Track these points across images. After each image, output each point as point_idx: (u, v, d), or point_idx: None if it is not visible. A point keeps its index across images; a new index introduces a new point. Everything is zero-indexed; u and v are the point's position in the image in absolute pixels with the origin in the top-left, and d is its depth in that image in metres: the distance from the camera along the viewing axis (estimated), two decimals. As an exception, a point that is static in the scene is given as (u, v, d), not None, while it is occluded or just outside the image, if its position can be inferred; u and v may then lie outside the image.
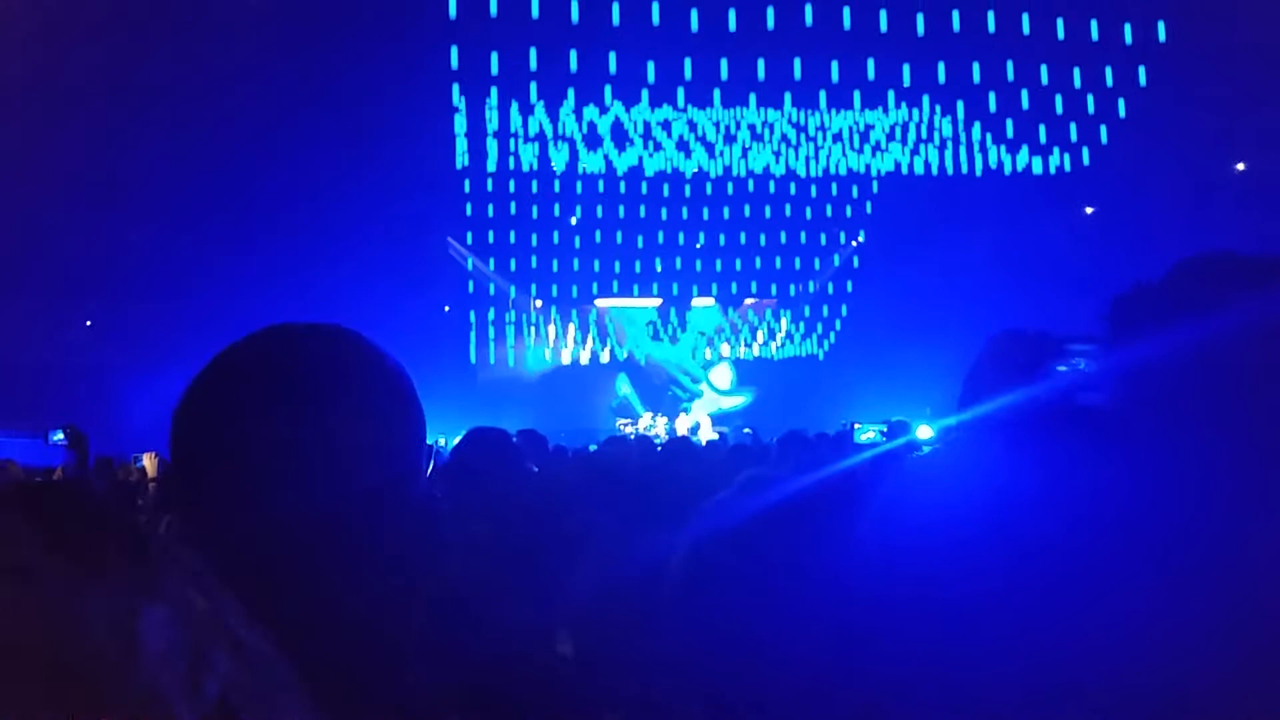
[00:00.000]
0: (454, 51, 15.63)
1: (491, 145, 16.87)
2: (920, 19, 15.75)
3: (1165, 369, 1.04)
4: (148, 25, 13.07)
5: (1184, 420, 1.01)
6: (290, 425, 0.88)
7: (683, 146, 17.66)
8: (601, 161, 17.39)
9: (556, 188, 17.63)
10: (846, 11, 15.52)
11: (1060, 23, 16.12)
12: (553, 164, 17.15)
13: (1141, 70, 16.25)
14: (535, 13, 14.98)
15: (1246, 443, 0.96)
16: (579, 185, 17.70)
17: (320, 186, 15.43)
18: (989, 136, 17.38)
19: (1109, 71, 16.57)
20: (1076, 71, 16.62)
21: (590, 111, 16.78)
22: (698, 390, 20.10)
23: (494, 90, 16.40)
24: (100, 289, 15.86)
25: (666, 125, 17.36)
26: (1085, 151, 17.36)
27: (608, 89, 16.61)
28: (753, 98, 17.20)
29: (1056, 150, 17.43)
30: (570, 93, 16.57)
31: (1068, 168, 17.38)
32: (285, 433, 0.88)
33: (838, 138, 17.83)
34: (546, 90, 16.36)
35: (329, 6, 13.76)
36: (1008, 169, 17.39)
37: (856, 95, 17.32)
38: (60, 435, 5.83)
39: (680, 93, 16.97)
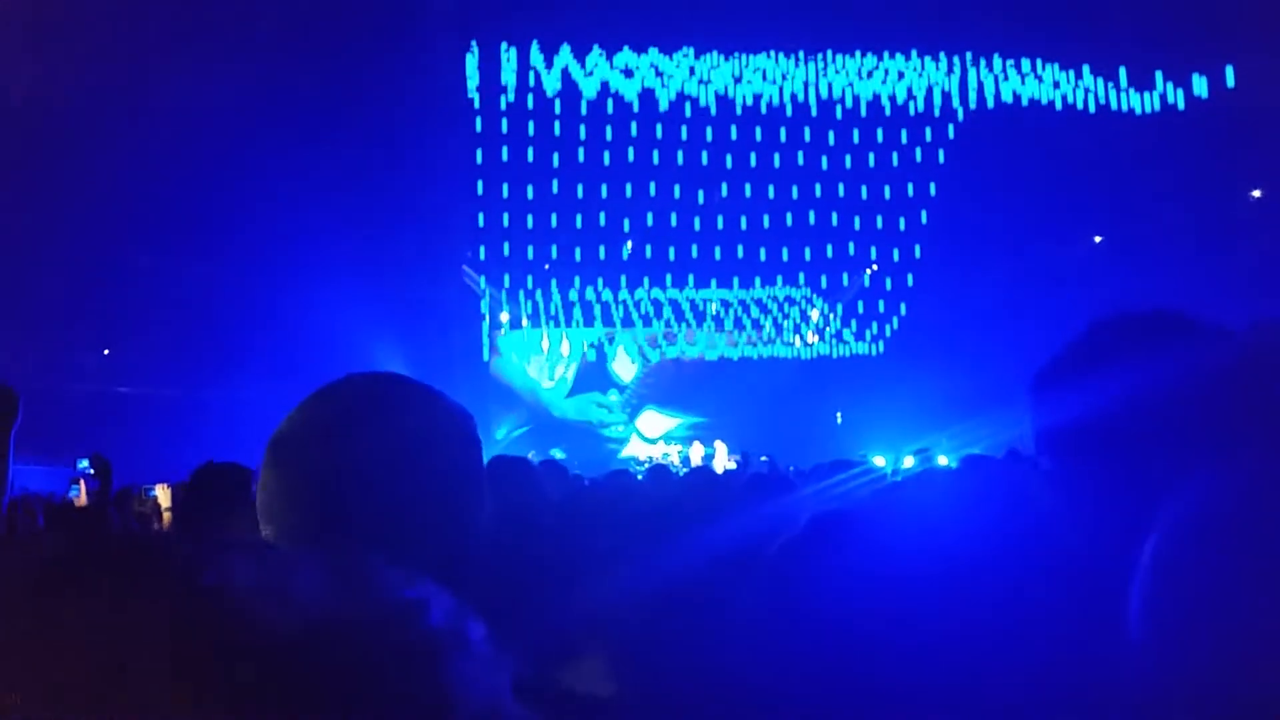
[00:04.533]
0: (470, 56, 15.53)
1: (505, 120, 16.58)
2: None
3: (1089, 430, 1.11)
4: (156, 48, 13.22)
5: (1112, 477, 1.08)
6: (377, 470, 0.99)
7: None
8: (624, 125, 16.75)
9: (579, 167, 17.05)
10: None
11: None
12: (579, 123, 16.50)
13: None
14: None
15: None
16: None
17: (337, 213, 15.53)
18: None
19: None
20: None
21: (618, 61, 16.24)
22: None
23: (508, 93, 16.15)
24: (116, 317, 15.99)
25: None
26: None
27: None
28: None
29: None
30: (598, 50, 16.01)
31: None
32: (373, 480, 0.98)
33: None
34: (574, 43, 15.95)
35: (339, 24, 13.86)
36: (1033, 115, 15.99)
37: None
38: (86, 463, 5.94)
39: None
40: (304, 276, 16.11)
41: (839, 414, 18.78)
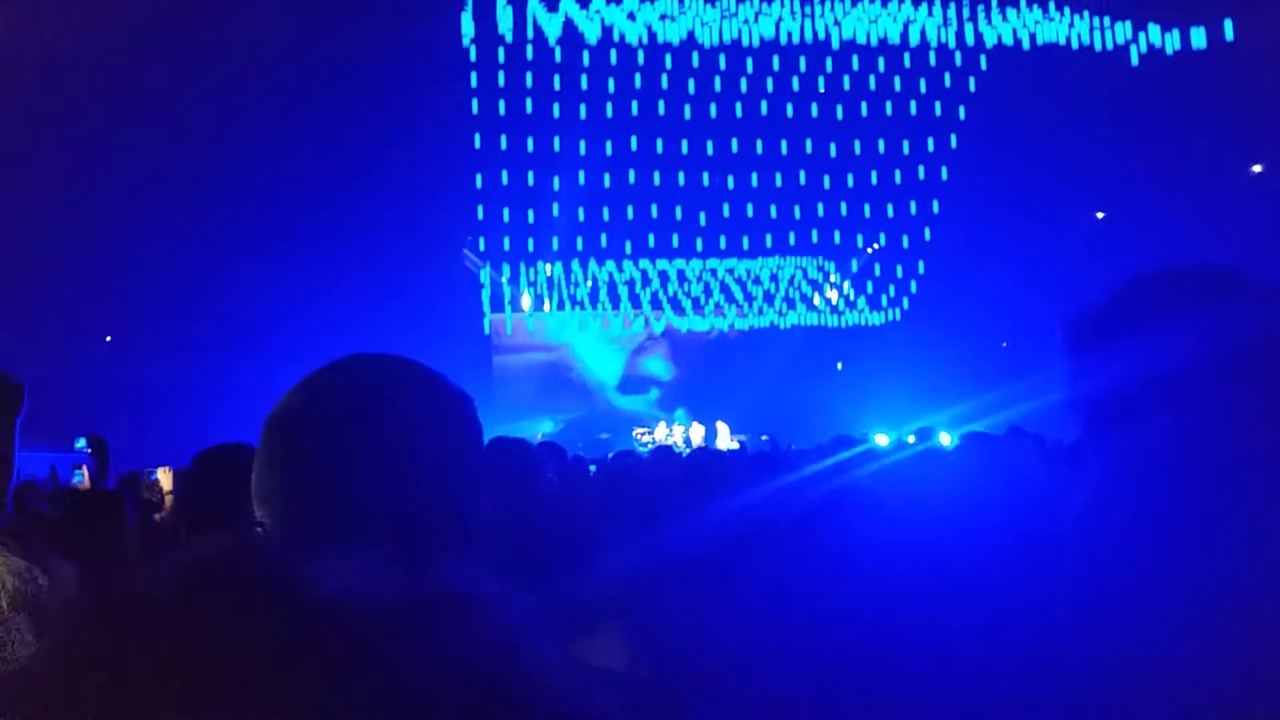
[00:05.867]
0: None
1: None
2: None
3: (1129, 392, 1.00)
4: (159, 39, 13.18)
5: (1159, 443, 0.96)
6: (377, 455, 0.97)
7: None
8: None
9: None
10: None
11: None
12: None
13: None
14: None
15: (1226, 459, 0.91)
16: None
17: (334, 196, 15.50)
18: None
19: None
20: None
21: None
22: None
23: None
24: (118, 305, 15.99)
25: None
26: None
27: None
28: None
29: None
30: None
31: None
32: (373, 464, 0.96)
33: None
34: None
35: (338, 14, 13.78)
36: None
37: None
38: (83, 442, 6.03)
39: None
40: (304, 260, 16.10)
41: (839, 363, 18.65)
